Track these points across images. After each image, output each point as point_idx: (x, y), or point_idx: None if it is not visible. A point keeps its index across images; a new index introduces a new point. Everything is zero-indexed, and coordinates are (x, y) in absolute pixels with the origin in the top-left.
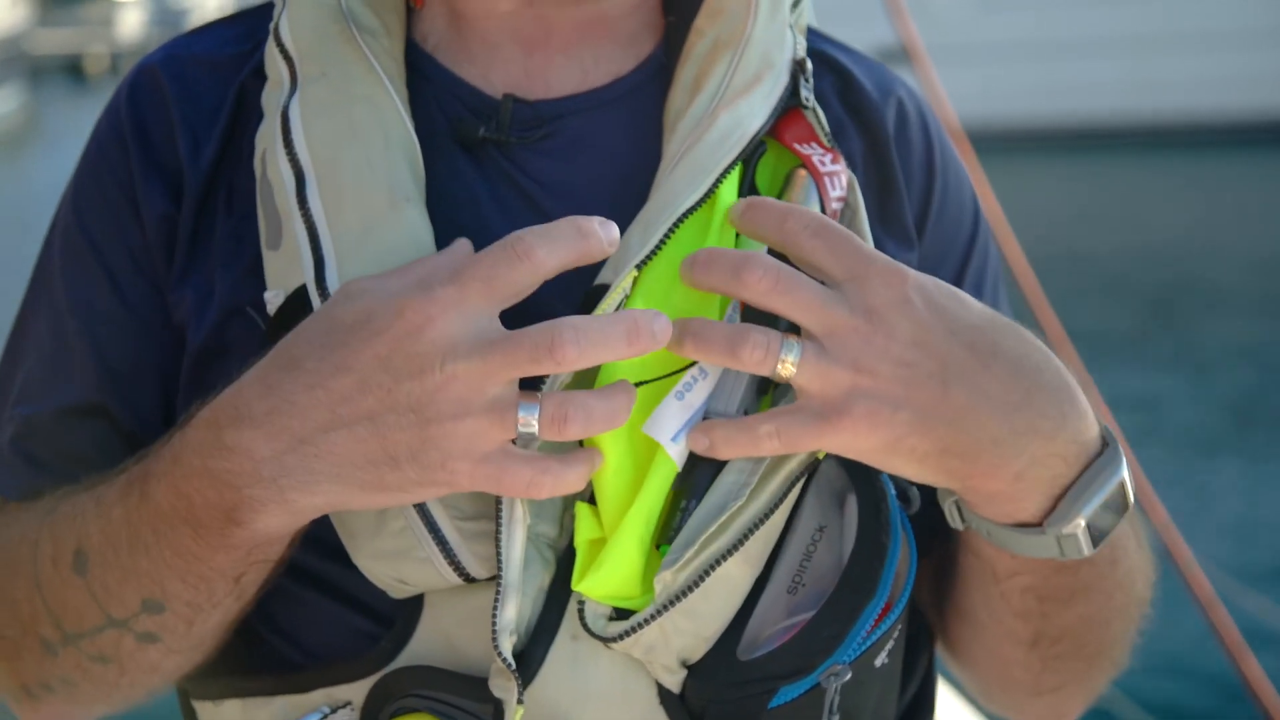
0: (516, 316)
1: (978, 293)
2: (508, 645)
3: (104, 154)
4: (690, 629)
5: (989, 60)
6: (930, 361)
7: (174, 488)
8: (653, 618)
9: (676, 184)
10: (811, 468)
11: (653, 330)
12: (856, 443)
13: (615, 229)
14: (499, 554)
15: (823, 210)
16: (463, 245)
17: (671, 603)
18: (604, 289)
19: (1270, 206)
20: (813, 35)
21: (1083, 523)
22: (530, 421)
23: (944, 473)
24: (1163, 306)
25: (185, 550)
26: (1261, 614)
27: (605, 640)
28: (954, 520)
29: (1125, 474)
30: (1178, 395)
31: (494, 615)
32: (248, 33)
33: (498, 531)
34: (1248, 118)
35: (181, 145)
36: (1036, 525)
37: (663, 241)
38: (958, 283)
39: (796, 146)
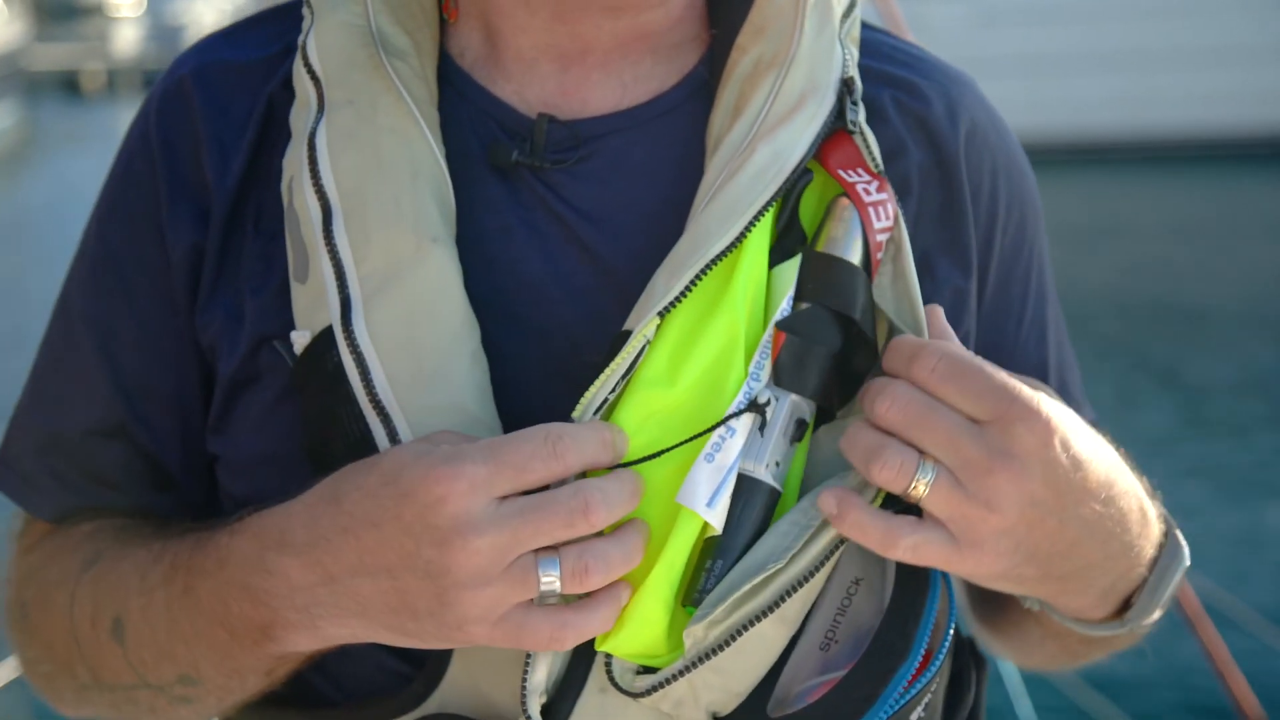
0: (576, 361)
1: (1039, 304)
2: (536, 706)
3: (130, 170)
4: (720, 684)
5: (987, 75)
6: (1054, 502)
7: (216, 592)
8: (681, 673)
9: (709, 225)
10: None
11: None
12: (978, 570)
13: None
14: None
15: (865, 242)
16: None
17: (702, 659)
18: (627, 335)
19: (1265, 222)
20: (875, 39)
21: (1158, 612)
22: (552, 580)
23: (1040, 591)
24: (1153, 321)
25: (221, 647)
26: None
27: (633, 695)
28: (1030, 604)
29: (1187, 558)
30: (1161, 412)
31: (524, 678)
32: (278, 34)
33: None
34: (1244, 134)
35: (208, 162)
36: (1113, 618)
37: (689, 288)
38: (1025, 287)
39: (841, 174)
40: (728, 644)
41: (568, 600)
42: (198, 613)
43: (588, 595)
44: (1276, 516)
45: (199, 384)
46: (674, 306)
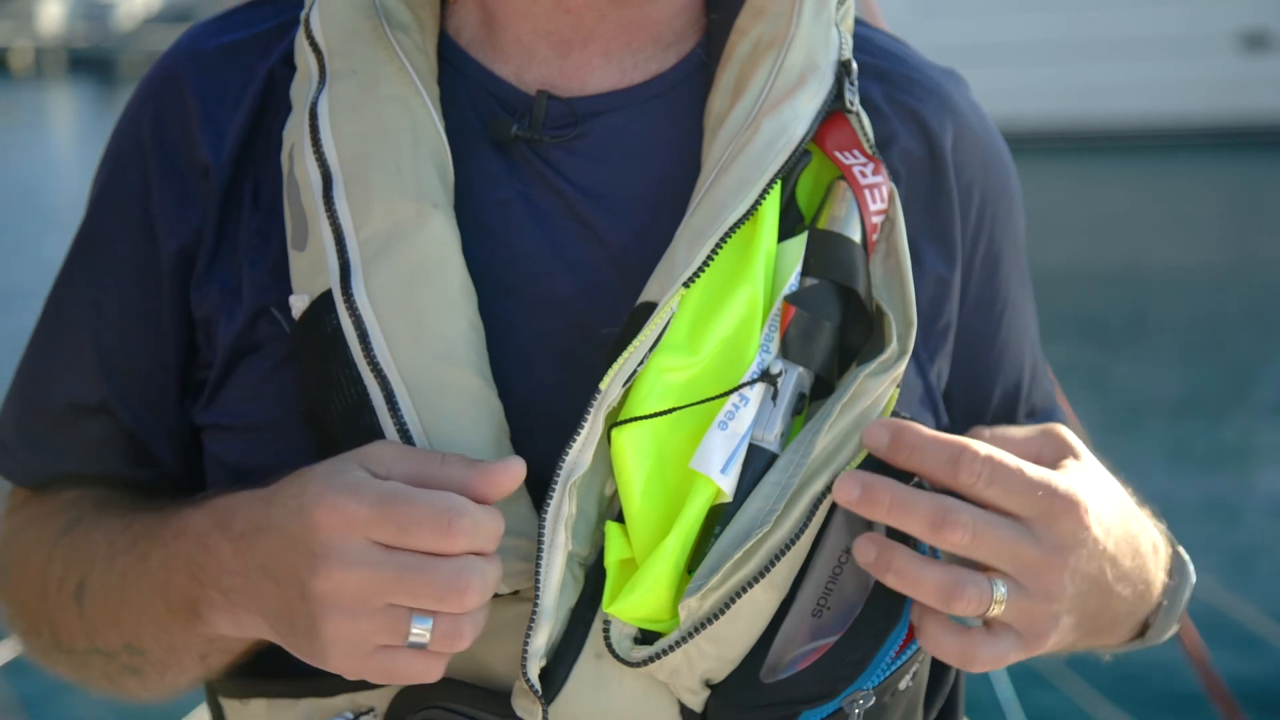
0: (573, 334)
1: (1020, 299)
2: (535, 670)
3: (121, 154)
4: (715, 653)
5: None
6: (1098, 574)
7: (165, 561)
8: (678, 643)
9: (723, 195)
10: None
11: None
12: (1038, 653)
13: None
14: (537, 579)
15: (862, 224)
16: (424, 460)
17: (697, 629)
18: (649, 307)
19: (1205, 210)
20: (865, 35)
21: (1174, 630)
22: (423, 634)
23: (1078, 646)
24: (1099, 308)
25: (159, 619)
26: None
27: (630, 664)
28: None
29: (1193, 574)
30: (1095, 402)
31: (526, 640)
32: (272, 13)
33: (538, 556)
34: (1180, 123)
35: (203, 141)
36: (1131, 640)
37: (709, 258)
38: (1009, 276)
39: (838, 155)
40: (722, 612)
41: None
42: (146, 581)
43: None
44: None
45: (182, 364)
46: (696, 277)
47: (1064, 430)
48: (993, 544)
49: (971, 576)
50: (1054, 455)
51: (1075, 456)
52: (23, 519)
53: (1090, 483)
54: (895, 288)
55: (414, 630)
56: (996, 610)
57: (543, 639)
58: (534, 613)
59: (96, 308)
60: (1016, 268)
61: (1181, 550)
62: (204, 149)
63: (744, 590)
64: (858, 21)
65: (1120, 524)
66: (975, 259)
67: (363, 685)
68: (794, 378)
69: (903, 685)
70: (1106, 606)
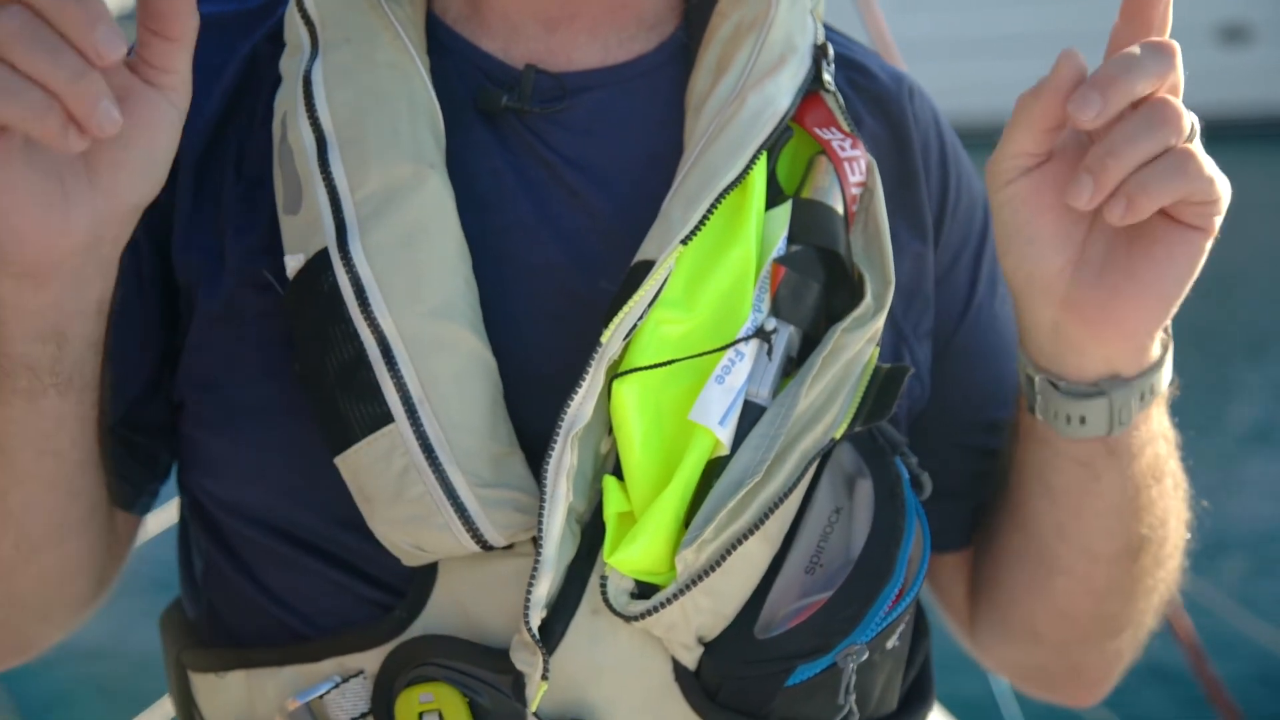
0: (563, 299)
1: (991, 282)
2: (538, 620)
3: None
4: (710, 607)
5: (906, 59)
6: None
7: None
8: (675, 596)
9: (715, 158)
10: (827, 449)
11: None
12: (1174, 261)
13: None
14: (539, 529)
15: (842, 196)
16: None
17: (694, 581)
18: (647, 264)
19: None
20: (829, 34)
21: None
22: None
23: (1145, 332)
24: None
25: None
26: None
27: (627, 618)
28: (1121, 416)
29: (1168, 374)
30: None
31: (528, 591)
32: None
33: (541, 506)
34: None
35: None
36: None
37: (706, 216)
38: (974, 274)
39: (817, 131)
40: (717, 564)
41: None
42: None
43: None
44: None
45: (162, 331)
46: (693, 236)
47: None
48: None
49: (1164, 101)
50: None
51: None
52: None
53: None
54: (874, 252)
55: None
56: (1190, 129)
57: (544, 588)
58: (536, 562)
59: None
60: (988, 248)
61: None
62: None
63: (738, 543)
64: (827, 26)
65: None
66: (942, 233)
67: (352, 647)
68: (785, 336)
69: (890, 645)
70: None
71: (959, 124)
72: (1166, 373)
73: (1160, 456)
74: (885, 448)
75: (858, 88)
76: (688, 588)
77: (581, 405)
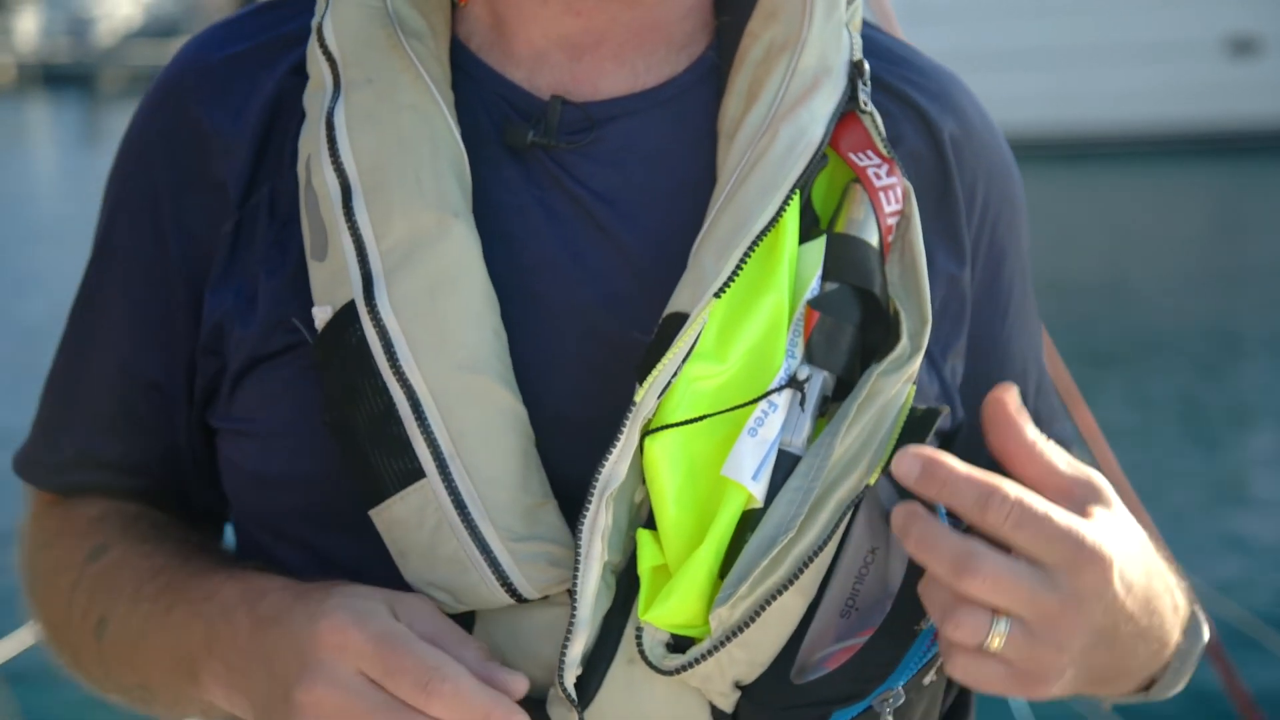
0: (594, 343)
1: (1022, 302)
2: (572, 679)
3: (126, 164)
4: (745, 657)
5: None
6: (1112, 629)
7: (187, 620)
8: (710, 652)
9: (747, 203)
10: (860, 496)
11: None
12: (1034, 697)
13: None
14: (573, 590)
15: (878, 225)
16: (447, 631)
17: (729, 637)
18: (680, 317)
19: (1191, 216)
20: (872, 37)
21: (1182, 685)
22: None
23: (1078, 692)
24: (1087, 317)
25: (166, 671)
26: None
27: (663, 673)
28: None
29: (1206, 635)
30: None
31: (563, 651)
32: (277, 20)
33: (575, 566)
34: (1167, 129)
35: (217, 153)
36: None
37: (739, 267)
38: (1010, 289)
39: (852, 157)
40: (753, 620)
41: None
42: (165, 633)
43: None
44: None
45: (192, 373)
46: (726, 287)
47: (1100, 478)
48: (1011, 592)
49: (971, 610)
50: (1084, 498)
51: (1107, 505)
52: (51, 528)
53: (1118, 536)
54: (911, 286)
55: None
56: (996, 645)
57: (579, 648)
58: (571, 622)
59: (107, 319)
60: (1020, 274)
61: (1199, 609)
62: (217, 161)
63: (774, 597)
64: (867, 25)
65: (1143, 581)
66: (979, 256)
67: None
68: (819, 382)
69: (927, 680)
70: (1115, 662)
71: None
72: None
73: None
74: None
75: (900, 100)
76: (723, 644)
77: (616, 465)
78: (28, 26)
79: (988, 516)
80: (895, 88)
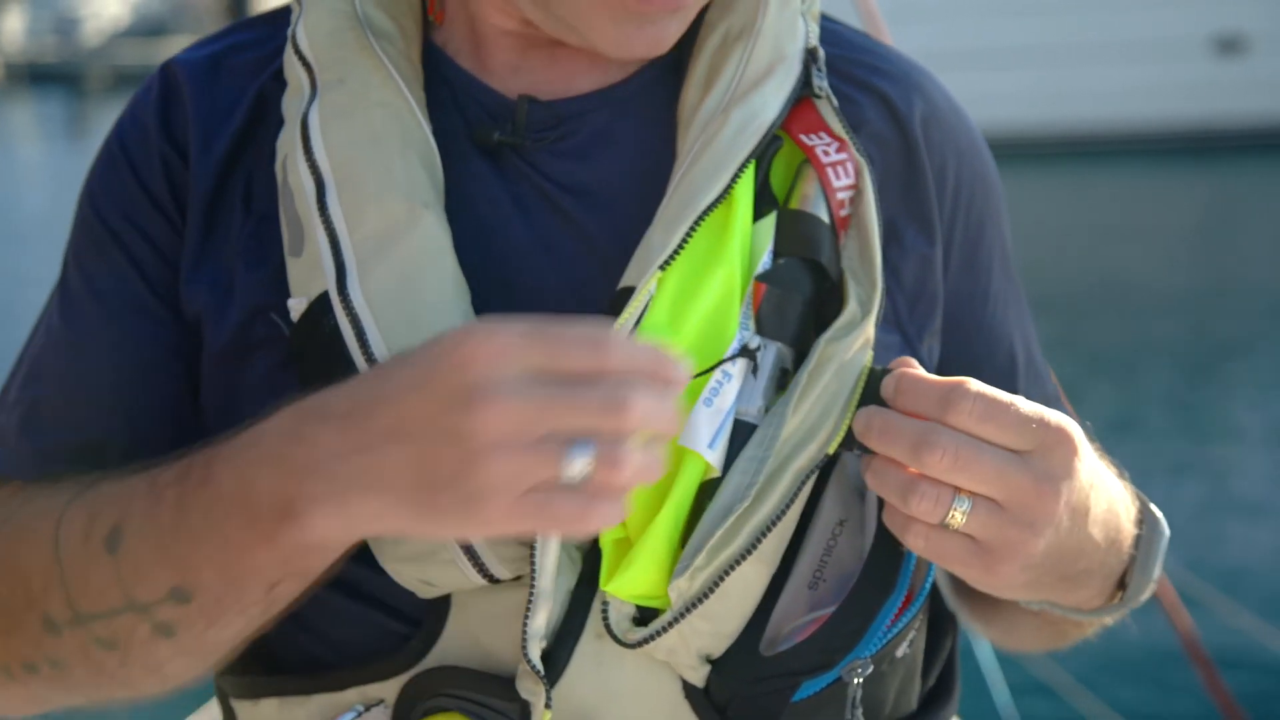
0: (533, 309)
1: (1003, 282)
2: (537, 651)
3: (125, 147)
4: (709, 629)
5: None
6: (1081, 514)
7: (240, 471)
8: (671, 624)
9: (695, 181)
10: (821, 464)
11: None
12: (999, 583)
13: (682, 370)
14: (533, 562)
15: (827, 201)
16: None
17: (689, 609)
18: (629, 291)
19: (1179, 213)
20: (834, 30)
21: (1151, 588)
22: (583, 463)
23: (1048, 595)
24: (1075, 315)
25: (231, 541)
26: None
27: (626, 645)
28: (1032, 605)
29: (1168, 533)
30: (1092, 403)
31: (525, 622)
32: (268, 36)
33: (533, 539)
34: (1154, 127)
35: (193, 143)
36: (1110, 602)
37: (684, 241)
38: (988, 268)
39: (802, 138)
40: (712, 590)
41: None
42: (214, 502)
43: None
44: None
45: (179, 370)
46: (672, 260)
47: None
48: (975, 468)
49: (930, 484)
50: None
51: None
52: (13, 505)
53: (1076, 426)
54: (865, 256)
55: (575, 459)
56: (959, 520)
57: (541, 620)
58: (531, 594)
59: (105, 292)
60: (1000, 253)
61: (1154, 507)
62: (193, 147)
63: (732, 567)
64: (827, 18)
65: (1102, 473)
66: (954, 238)
67: (373, 677)
68: (773, 352)
69: (900, 653)
70: (1081, 549)
71: None
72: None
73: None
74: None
75: (862, 86)
76: (683, 615)
77: None
78: (13, 25)
79: (952, 413)
80: (857, 76)
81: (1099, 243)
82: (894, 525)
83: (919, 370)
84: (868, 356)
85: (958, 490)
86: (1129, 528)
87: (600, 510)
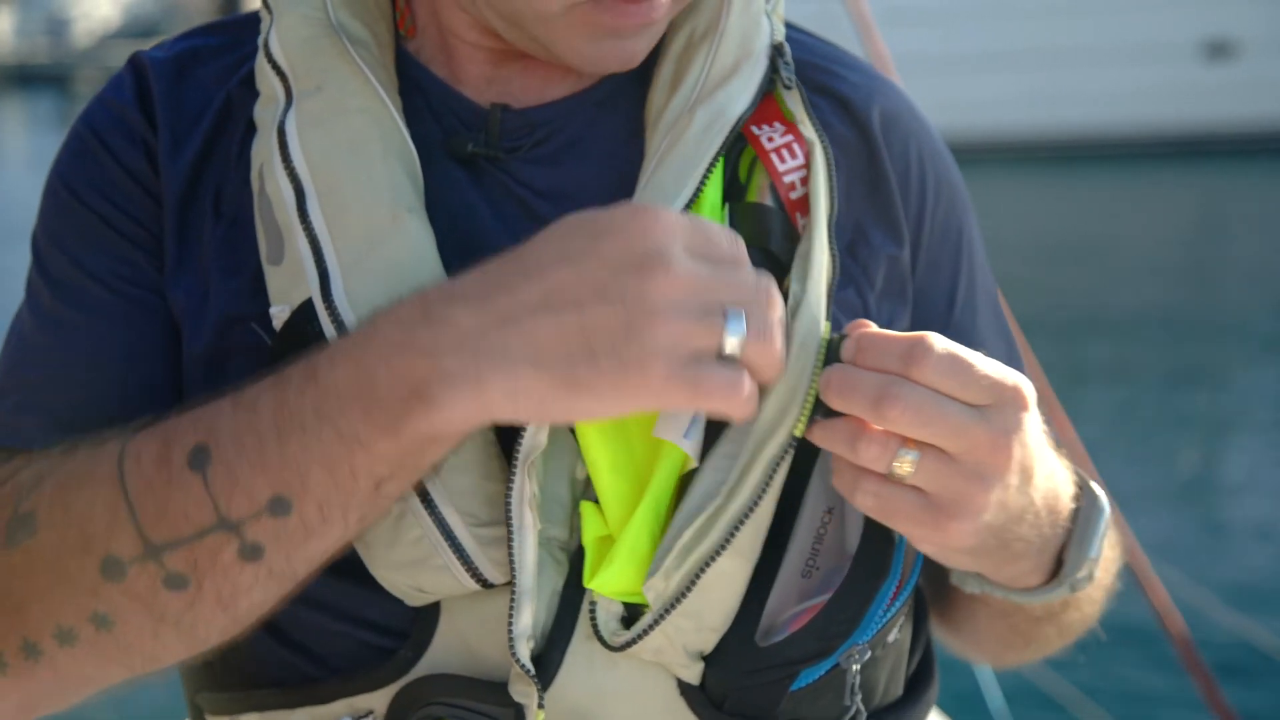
0: None
1: (970, 279)
2: (525, 651)
3: (99, 133)
4: (692, 626)
5: (894, 75)
6: (1025, 472)
7: (358, 363)
8: (653, 625)
9: (665, 184)
10: (790, 447)
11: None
12: (950, 540)
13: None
14: (511, 560)
15: (773, 186)
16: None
17: (669, 608)
18: None
19: (1170, 218)
20: (796, 37)
21: (1092, 566)
22: (739, 332)
23: (987, 562)
24: (1067, 319)
25: (347, 433)
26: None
27: (612, 649)
28: (967, 586)
29: (1108, 510)
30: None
31: (510, 622)
32: (233, 42)
33: (509, 538)
34: (1144, 132)
35: (162, 146)
36: (1050, 581)
37: None
38: (955, 274)
39: (752, 129)
40: (690, 588)
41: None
42: (326, 397)
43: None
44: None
45: (170, 364)
46: None
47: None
48: (936, 422)
49: (878, 438)
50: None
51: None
52: (52, 460)
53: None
54: (812, 231)
55: (732, 326)
56: (906, 469)
57: (527, 619)
58: (513, 594)
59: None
60: (968, 254)
61: (1095, 485)
62: (162, 153)
63: (708, 563)
64: (790, 26)
65: (1041, 437)
66: (921, 239)
67: (362, 688)
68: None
69: (891, 638)
70: (1024, 512)
71: (946, 139)
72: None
73: (1057, 610)
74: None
75: (823, 91)
76: (664, 615)
77: (536, 434)
78: (4, 26)
79: (915, 368)
80: (818, 81)
81: (1090, 244)
82: (844, 486)
83: (877, 329)
84: (824, 328)
85: (905, 442)
86: (1067, 501)
87: (749, 387)
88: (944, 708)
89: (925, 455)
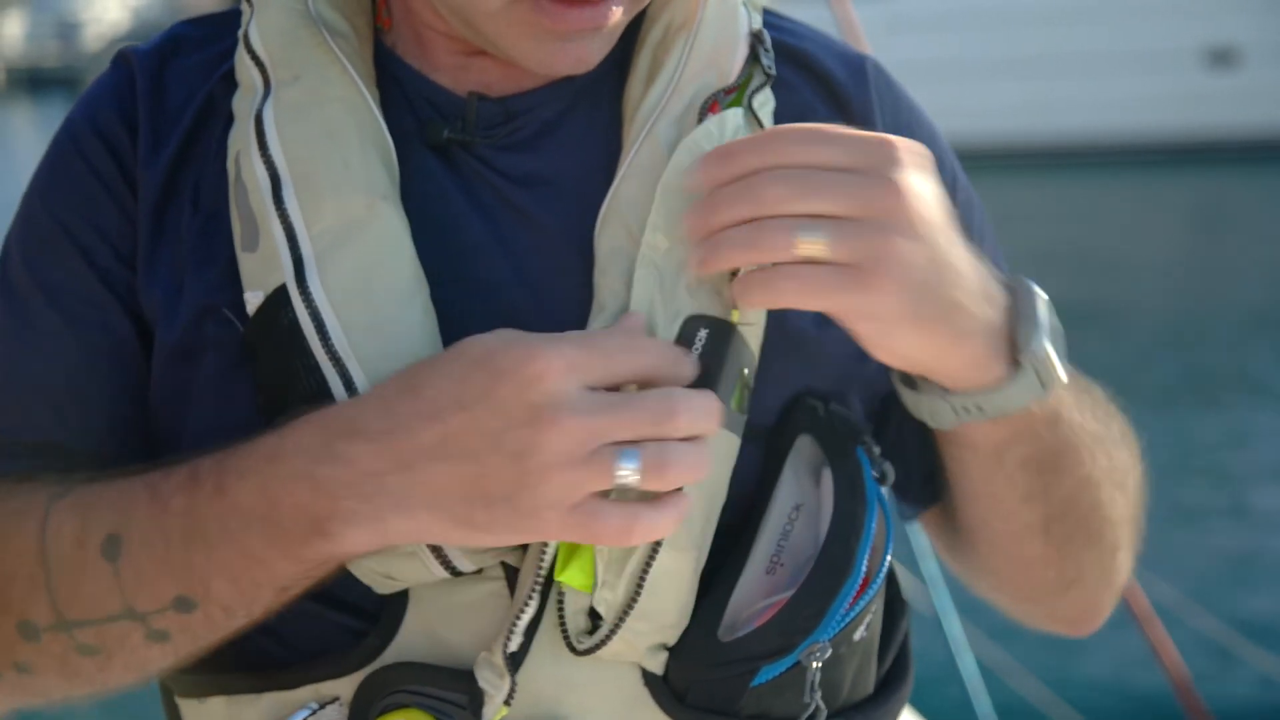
0: (511, 317)
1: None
2: (517, 644)
3: (76, 139)
4: (649, 628)
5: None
6: (931, 225)
7: (262, 487)
8: (609, 636)
9: (642, 172)
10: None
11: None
12: (881, 306)
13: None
14: (508, 562)
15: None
16: (631, 320)
17: (621, 617)
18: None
19: (1172, 225)
20: (775, 19)
21: (1048, 345)
22: (631, 472)
23: (938, 345)
24: (1069, 326)
25: (249, 553)
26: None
27: (577, 653)
28: (943, 420)
29: (1042, 293)
30: None
31: (516, 616)
32: (213, 36)
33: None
34: (1147, 139)
35: (142, 142)
36: (1008, 377)
37: None
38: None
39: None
40: (638, 593)
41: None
42: (231, 514)
43: (655, 498)
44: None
45: (133, 365)
46: None
47: None
48: (815, 187)
49: (776, 224)
50: None
51: None
52: None
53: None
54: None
55: (622, 468)
56: (818, 249)
57: (532, 612)
58: (530, 592)
59: (57, 285)
60: (974, 206)
61: (1025, 280)
62: (141, 147)
63: (648, 565)
64: (768, 12)
65: (945, 201)
66: None
67: (327, 675)
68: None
69: (857, 636)
70: (951, 268)
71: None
72: (1001, 397)
73: (1054, 450)
74: (846, 437)
75: (804, 70)
76: (618, 624)
77: None
78: (14, 30)
79: (773, 152)
80: (800, 60)
81: (1091, 252)
82: (759, 288)
83: (732, 145)
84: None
85: (802, 221)
86: (996, 282)
87: (645, 520)
88: (930, 718)
89: (828, 225)
